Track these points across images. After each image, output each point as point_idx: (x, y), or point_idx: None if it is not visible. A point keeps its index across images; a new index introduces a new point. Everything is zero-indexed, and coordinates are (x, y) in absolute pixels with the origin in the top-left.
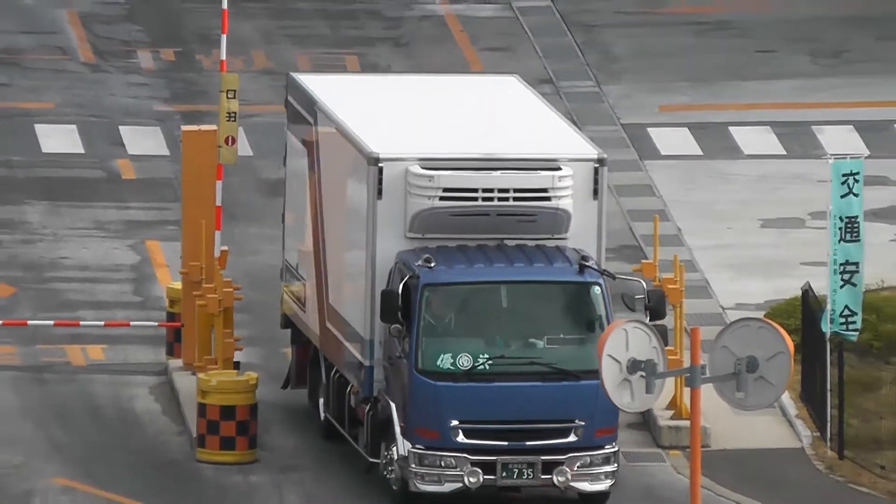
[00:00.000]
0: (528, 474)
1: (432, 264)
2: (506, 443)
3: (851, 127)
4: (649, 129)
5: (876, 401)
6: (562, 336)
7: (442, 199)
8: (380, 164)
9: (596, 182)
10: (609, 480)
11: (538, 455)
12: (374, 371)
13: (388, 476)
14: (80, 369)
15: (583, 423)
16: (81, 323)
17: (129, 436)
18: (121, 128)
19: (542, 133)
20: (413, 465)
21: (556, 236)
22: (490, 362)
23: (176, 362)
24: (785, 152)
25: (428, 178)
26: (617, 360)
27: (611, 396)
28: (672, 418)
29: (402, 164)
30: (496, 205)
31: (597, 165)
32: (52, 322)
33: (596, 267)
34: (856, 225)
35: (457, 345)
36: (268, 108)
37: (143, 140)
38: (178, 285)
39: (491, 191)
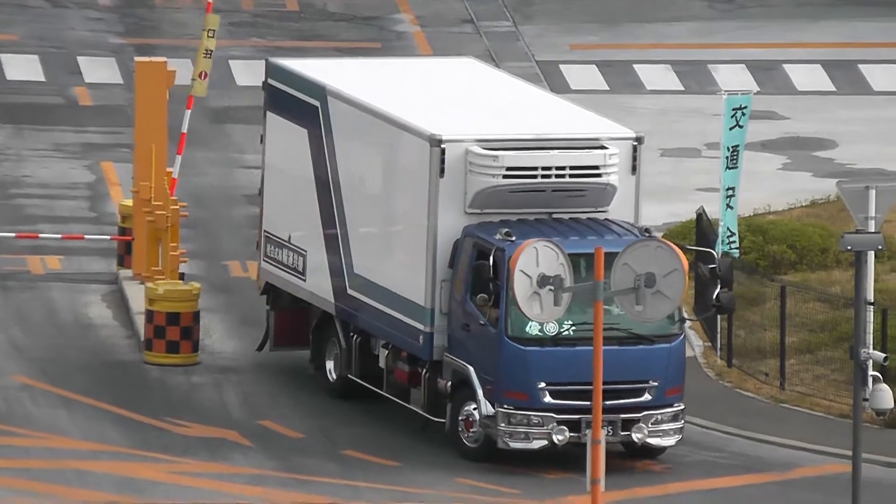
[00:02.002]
0: (609, 431)
1: (513, 238)
2: (588, 402)
3: (743, 66)
4: (561, 66)
5: (761, 314)
6: None
7: (505, 177)
8: (442, 146)
9: (634, 159)
10: (677, 436)
11: (617, 414)
12: (434, 337)
13: (462, 434)
14: (39, 278)
15: (656, 384)
16: (41, 235)
17: (83, 339)
18: (79, 58)
19: (574, 115)
20: (502, 425)
21: (599, 209)
22: (573, 328)
23: (126, 273)
24: (683, 88)
25: (493, 158)
26: (528, 276)
27: (522, 308)
28: None
29: (462, 145)
30: (553, 182)
31: (635, 144)
32: (13, 234)
33: (664, 240)
34: (736, 154)
35: None
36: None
37: (98, 70)
38: (129, 202)
39: (549, 168)
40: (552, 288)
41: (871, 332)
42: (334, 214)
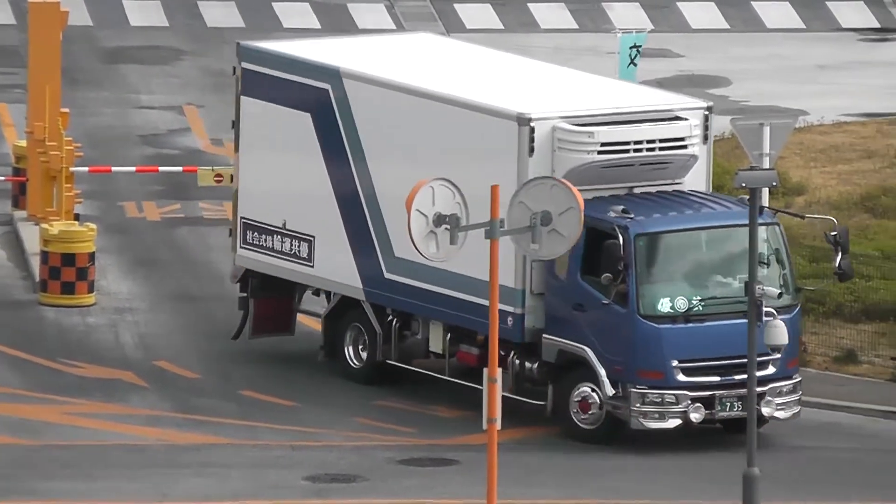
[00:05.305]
0: (739, 406)
1: (632, 215)
2: (718, 378)
3: (637, 4)
4: (455, 5)
5: None
6: None
7: (599, 152)
8: (531, 124)
9: (706, 128)
10: (797, 408)
11: (746, 388)
12: (525, 318)
13: (577, 416)
14: None
15: (779, 356)
16: None
17: None
18: None
19: (632, 89)
20: (636, 405)
21: (676, 181)
22: (702, 303)
23: (21, 214)
24: (578, 27)
25: (588, 135)
26: (424, 214)
27: (418, 247)
28: None
29: (549, 123)
30: (643, 155)
31: (707, 113)
32: None
33: (773, 208)
34: None
35: (671, 289)
36: None
37: None
38: (23, 143)
39: (640, 142)
40: (448, 227)
41: None
42: (360, 199)
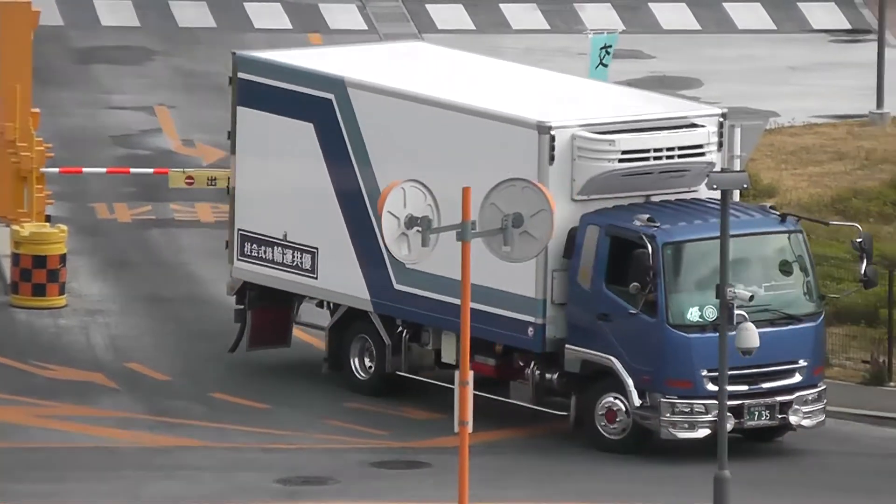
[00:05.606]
0: (767, 415)
1: (658, 223)
2: (746, 387)
3: (609, 5)
4: (427, 6)
5: None
6: (777, 282)
7: (620, 161)
8: (552, 133)
9: (720, 136)
10: (822, 416)
11: (773, 397)
12: (546, 328)
13: (603, 427)
14: None
15: (805, 364)
16: None
17: None
18: None
19: (649, 96)
20: (666, 415)
21: (692, 189)
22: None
23: None
24: (549, 27)
25: (609, 143)
26: (396, 216)
27: (390, 249)
28: None
29: (569, 131)
30: (662, 163)
31: (721, 120)
32: None
33: (796, 215)
34: None
35: (699, 298)
36: None
37: None
38: None
39: (660, 150)
40: (420, 229)
41: None
42: (367, 209)
